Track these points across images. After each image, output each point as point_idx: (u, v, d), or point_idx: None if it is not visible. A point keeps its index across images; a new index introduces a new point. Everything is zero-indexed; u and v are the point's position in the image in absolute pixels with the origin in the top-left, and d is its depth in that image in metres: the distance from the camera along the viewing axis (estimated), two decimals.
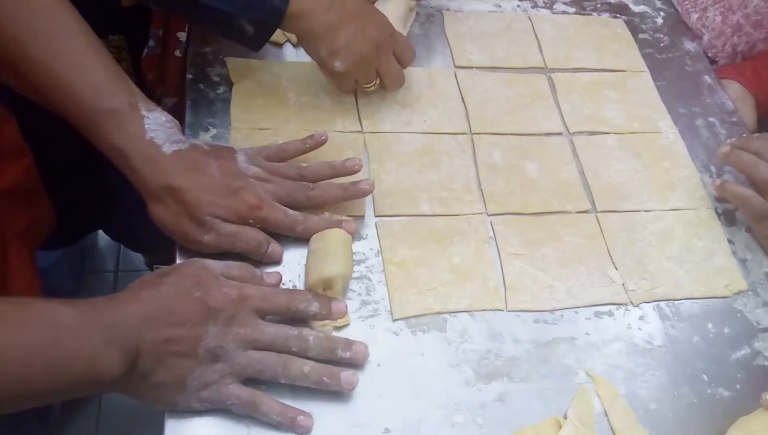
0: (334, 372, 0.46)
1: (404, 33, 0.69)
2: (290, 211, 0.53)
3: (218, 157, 0.52)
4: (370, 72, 0.61)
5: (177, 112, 0.75)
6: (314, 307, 0.48)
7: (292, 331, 0.47)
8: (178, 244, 0.53)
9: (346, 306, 0.51)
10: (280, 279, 0.51)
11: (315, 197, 0.54)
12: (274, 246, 0.52)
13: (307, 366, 0.46)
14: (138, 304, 0.43)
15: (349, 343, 0.48)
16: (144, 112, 0.50)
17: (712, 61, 0.78)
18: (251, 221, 0.51)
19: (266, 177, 0.53)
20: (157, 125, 0.50)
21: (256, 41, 0.58)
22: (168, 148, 0.50)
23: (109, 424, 1.09)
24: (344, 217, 0.55)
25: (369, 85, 0.63)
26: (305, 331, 0.47)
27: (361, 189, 0.55)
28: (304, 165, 0.55)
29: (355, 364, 0.48)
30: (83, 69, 0.49)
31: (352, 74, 0.61)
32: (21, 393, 0.39)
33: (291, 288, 0.52)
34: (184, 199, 0.49)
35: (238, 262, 0.49)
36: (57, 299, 0.42)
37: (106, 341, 0.41)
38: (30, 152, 0.61)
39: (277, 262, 0.53)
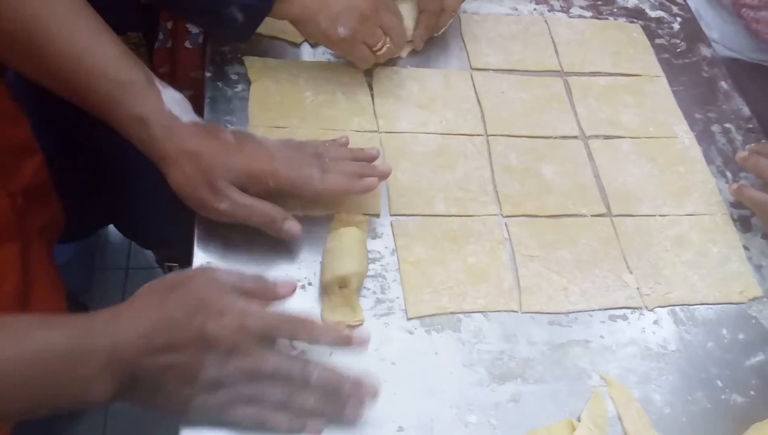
0: (339, 404, 0.45)
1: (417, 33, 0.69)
2: (305, 169, 0.52)
3: (235, 130, 0.54)
4: (375, 30, 0.62)
5: (193, 105, 0.76)
6: (321, 340, 0.46)
7: (297, 363, 0.45)
8: (197, 239, 0.53)
9: (350, 336, 0.46)
10: (294, 288, 0.48)
11: (329, 170, 0.53)
12: (290, 222, 0.52)
13: (312, 399, 0.45)
14: (139, 323, 0.42)
15: (357, 384, 0.45)
16: (159, 87, 0.51)
17: None
18: (263, 178, 0.51)
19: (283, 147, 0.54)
20: (172, 99, 0.51)
21: (245, 30, 0.58)
22: (185, 119, 0.51)
23: (117, 421, 1.09)
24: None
25: (379, 46, 0.63)
26: (311, 365, 0.45)
27: (380, 170, 0.55)
28: (326, 143, 0.56)
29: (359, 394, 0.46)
30: (101, 44, 0.50)
31: (359, 36, 0.61)
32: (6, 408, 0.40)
33: (298, 315, 0.46)
34: (200, 164, 0.50)
35: (253, 275, 0.47)
36: (56, 320, 0.42)
37: (101, 367, 0.40)
38: (40, 150, 0.61)
39: (295, 237, 0.52)
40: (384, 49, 0.63)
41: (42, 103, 0.78)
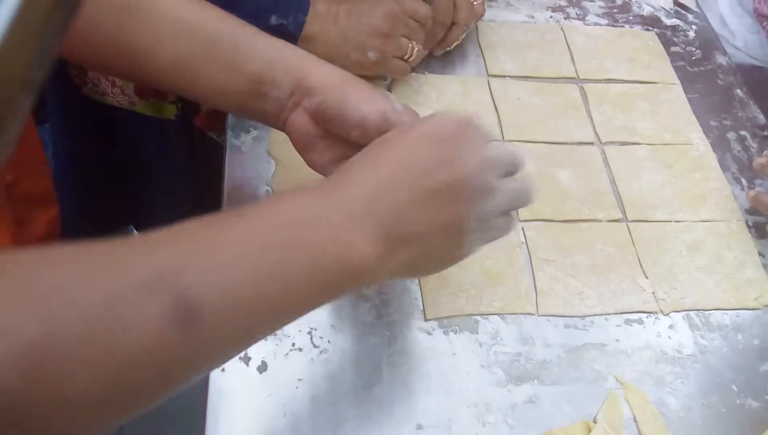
0: None
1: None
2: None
3: None
4: (400, 42, 0.64)
5: (216, 115, 0.77)
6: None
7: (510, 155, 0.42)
8: None
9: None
10: None
11: None
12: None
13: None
14: (371, 167, 0.38)
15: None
16: None
17: None
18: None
19: None
20: None
21: None
22: None
23: (135, 420, 1.11)
24: None
25: (409, 54, 0.64)
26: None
27: None
28: None
29: None
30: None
31: (388, 54, 0.63)
32: (270, 310, 0.33)
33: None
34: None
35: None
36: (273, 195, 0.39)
37: (351, 220, 0.35)
38: (57, 201, 0.62)
39: None
40: (414, 54, 0.65)
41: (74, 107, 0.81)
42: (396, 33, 0.63)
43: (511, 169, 0.41)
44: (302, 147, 0.50)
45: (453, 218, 0.38)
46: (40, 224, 0.59)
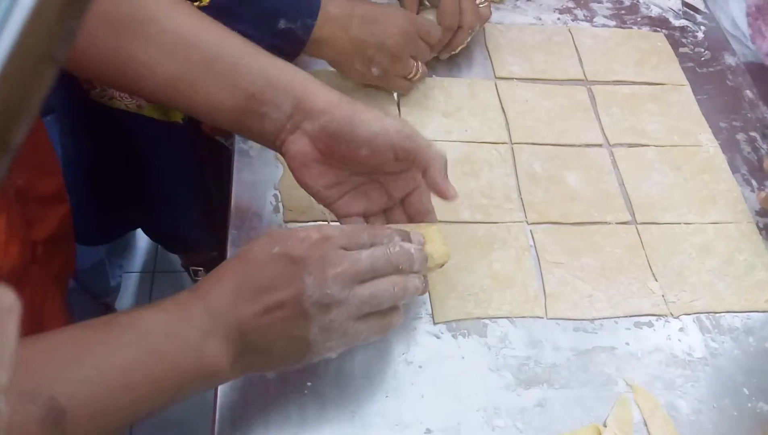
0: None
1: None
2: None
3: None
4: (406, 63, 0.64)
5: None
6: (396, 240, 0.45)
7: (390, 247, 0.44)
8: (230, 244, 0.55)
9: (421, 242, 0.47)
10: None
11: None
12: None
13: (417, 279, 0.44)
14: (222, 283, 0.41)
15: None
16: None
17: None
18: None
19: None
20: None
21: None
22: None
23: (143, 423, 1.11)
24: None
25: (413, 74, 0.65)
26: (398, 243, 0.44)
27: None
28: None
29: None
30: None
31: (392, 72, 0.63)
32: (128, 413, 0.39)
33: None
34: None
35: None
36: (138, 307, 0.41)
37: (202, 335, 0.40)
38: (68, 199, 0.63)
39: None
40: (418, 74, 0.65)
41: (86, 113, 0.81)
42: (405, 54, 0.63)
43: (368, 276, 0.42)
44: (298, 170, 0.50)
45: (295, 330, 0.41)
46: (51, 222, 0.59)
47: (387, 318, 0.44)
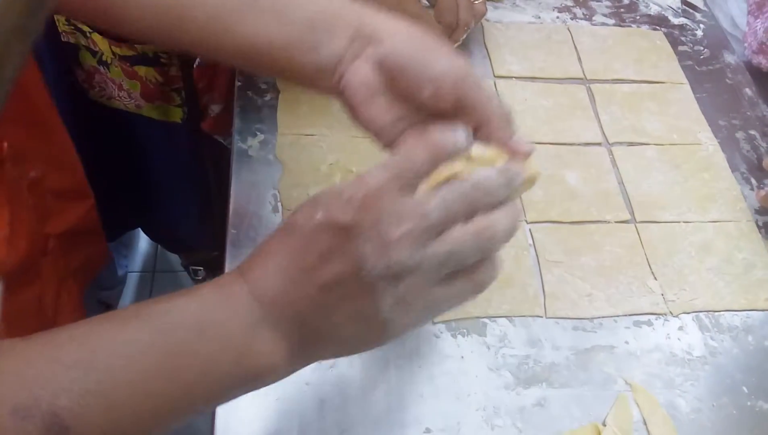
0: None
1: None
2: None
3: None
4: None
5: (223, 118, 0.78)
6: (461, 134, 0.34)
7: (462, 185, 0.33)
8: (228, 244, 0.55)
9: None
10: None
11: None
12: None
13: (508, 212, 0.34)
14: (267, 263, 0.34)
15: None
16: None
17: None
18: None
19: None
20: None
21: None
22: None
23: None
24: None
25: None
26: (475, 172, 0.34)
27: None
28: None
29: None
30: None
31: None
32: (148, 426, 0.33)
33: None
34: None
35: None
36: (169, 295, 0.34)
37: (248, 329, 0.33)
38: (92, 195, 0.61)
39: None
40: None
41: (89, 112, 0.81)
42: None
43: (443, 228, 0.33)
44: (362, 105, 0.42)
45: (363, 309, 0.33)
46: (69, 216, 0.58)
47: (478, 274, 0.35)
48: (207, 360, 0.33)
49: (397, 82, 0.41)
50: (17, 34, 0.15)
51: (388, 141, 0.42)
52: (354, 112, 0.43)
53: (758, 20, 0.76)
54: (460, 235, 0.33)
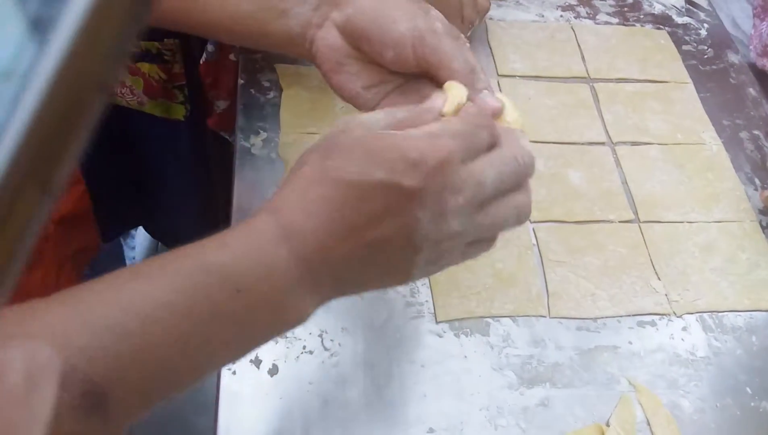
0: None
1: None
2: None
3: None
4: None
5: (229, 115, 0.77)
6: (518, 133, 0.37)
7: (513, 161, 0.35)
8: None
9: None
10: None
11: None
12: None
13: (529, 193, 0.37)
14: (311, 216, 0.32)
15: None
16: None
17: None
18: None
19: None
20: None
21: None
22: None
23: (144, 419, 1.11)
24: None
25: None
26: (516, 148, 0.36)
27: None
28: None
29: None
30: None
31: None
32: (184, 381, 0.33)
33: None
34: None
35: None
36: (197, 244, 0.32)
37: (286, 289, 0.32)
38: (83, 180, 0.62)
39: None
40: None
41: None
42: None
43: (492, 199, 0.35)
44: (333, 72, 0.42)
45: (399, 264, 0.34)
46: (66, 201, 0.58)
47: (489, 241, 0.37)
48: (242, 321, 0.32)
49: (360, 46, 0.41)
50: (94, 89, 0.14)
51: (364, 107, 0.42)
52: (326, 78, 0.43)
53: (764, 22, 0.75)
54: (502, 209, 0.35)
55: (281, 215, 0.33)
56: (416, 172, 0.32)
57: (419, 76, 0.42)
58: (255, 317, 0.33)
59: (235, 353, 0.34)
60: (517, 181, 0.36)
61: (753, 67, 0.79)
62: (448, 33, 0.40)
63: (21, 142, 0.13)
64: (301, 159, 0.35)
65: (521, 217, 0.37)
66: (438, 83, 0.40)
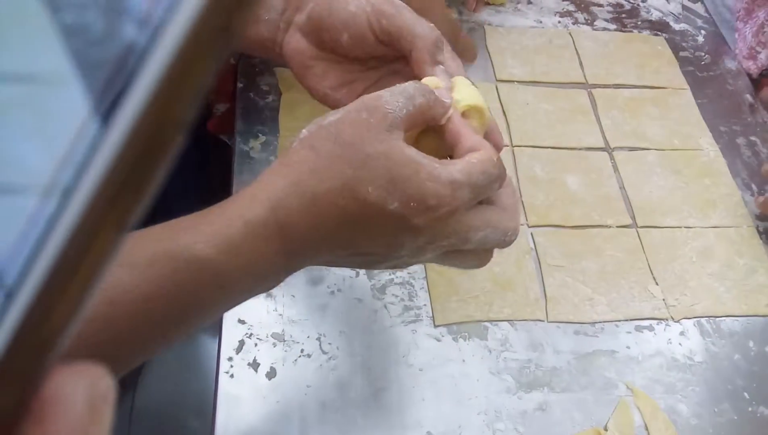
0: None
1: None
2: None
3: None
4: None
5: (228, 118, 0.77)
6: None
7: (500, 232, 0.37)
8: None
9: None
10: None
11: None
12: None
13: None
14: (314, 228, 0.34)
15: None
16: None
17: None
18: None
19: None
20: None
21: None
22: None
23: (142, 420, 1.11)
24: None
25: None
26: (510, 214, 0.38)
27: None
28: None
29: None
30: None
31: None
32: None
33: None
34: None
35: (413, 85, 0.35)
36: (194, 236, 0.33)
37: (271, 275, 0.35)
38: None
39: None
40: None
41: None
42: None
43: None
44: (300, 74, 0.43)
45: (373, 266, 0.38)
46: None
47: (479, 258, 0.39)
48: (221, 302, 0.35)
49: (322, 41, 0.42)
50: (177, 128, 0.14)
51: (334, 106, 0.42)
52: (299, 80, 0.44)
53: (747, 25, 0.76)
54: (483, 235, 0.37)
55: (283, 221, 0.34)
56: (427, 215, 0.33)
57: (389, 74, 0.42)
58: (234, 300, 0.36)
59: (213, 316, 0.37)
60: (499, 242, 0.37)
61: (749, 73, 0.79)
62: (407, 6, 0.40)
63: (101, 182, 0.13)
64: (308, 137, 0.34)
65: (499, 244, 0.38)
66: (405, 59, 0.39)
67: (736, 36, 0.78)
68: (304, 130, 0.35)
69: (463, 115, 0.37)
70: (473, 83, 0.40)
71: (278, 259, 0.35)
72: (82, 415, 0.14)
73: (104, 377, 0.15)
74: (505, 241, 0.38)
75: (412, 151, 0.34)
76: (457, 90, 0.38)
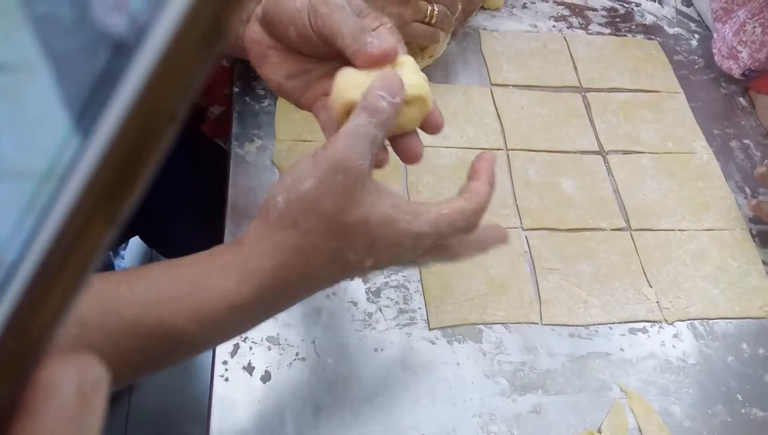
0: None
1: (441, 50, 0.71)
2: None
3: None
4: (419, 6, 0.60)
5: (223, 122, 0.78)
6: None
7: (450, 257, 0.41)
8: None
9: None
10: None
11: None
12: None
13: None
14: (279, 272, 0.35)
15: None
16: None
17: (751, 76, 0.78)
18: None
19: None
20: None
21: None
22: None
23: (138, 425, 1.11)
24: None
25: (429, 15, 0.61)
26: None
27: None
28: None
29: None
30: None
31: (408, 18, 0.60)
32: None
33: None
34: None
35: (367, 120, 0.35)
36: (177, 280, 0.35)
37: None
38: None
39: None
40: (436, 15, 0.62)
41: None
42: None
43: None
44: (257, 63, 0.44)
45: (332, 283, 0.39)
46: None
47: (452, 251, 0.41)
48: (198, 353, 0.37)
49: (274, 32, 0.42)
50: (169, 119, 0.14)
51: (289, 97, 0.44)
52: (257, 70, 0.44)
53: (726, 25, 0.76)
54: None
55: (270, 303, 0.37)
56: (417, 252, 0.37)
57: (342, 64, 0.41)
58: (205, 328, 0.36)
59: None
60: (466, 227, 0.39)
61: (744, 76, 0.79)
62: (345, 4, 0.39)
63: (92, 174, 0.13)
64: (288, 212, 0.35)
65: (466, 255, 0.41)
66: (344, 59, 0.39)
67: (714, 36, 0.78)
68: (279, 199, 0.35)
69: (406, 103, 0.37)
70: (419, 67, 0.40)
71: (260, 322, 0.39)
72: (72, 403, 0.14)
73: (95, 367, 0.15)
74: (470, 224, 0.39)
75: (386, 206, 0.36)
76: (404, 75, 0.38)
